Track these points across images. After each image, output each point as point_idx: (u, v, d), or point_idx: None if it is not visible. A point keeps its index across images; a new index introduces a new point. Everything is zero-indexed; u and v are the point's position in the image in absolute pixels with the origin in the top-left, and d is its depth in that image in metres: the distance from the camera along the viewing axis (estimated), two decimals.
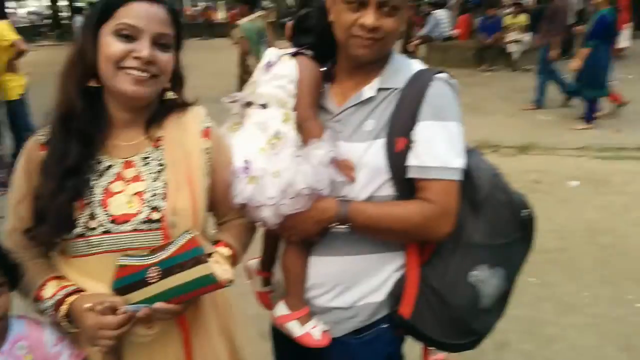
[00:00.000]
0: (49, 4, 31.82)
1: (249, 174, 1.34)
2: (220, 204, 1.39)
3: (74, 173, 1.22)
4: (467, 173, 1.37)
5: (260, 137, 1.38)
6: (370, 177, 1.36)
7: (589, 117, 7.17)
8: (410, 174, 1.34)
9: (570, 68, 7.40)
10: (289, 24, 1.58)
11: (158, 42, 1.23)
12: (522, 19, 11.61)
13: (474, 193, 1.38)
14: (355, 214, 1.33)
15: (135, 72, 1.21)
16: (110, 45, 1.20)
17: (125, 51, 1.20)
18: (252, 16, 6.28)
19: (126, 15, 1.20)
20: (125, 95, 1.24)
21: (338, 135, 1.38)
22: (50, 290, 1.24)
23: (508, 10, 12.19)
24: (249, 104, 1.46)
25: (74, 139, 1.23)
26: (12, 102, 5.62)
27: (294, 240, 1.40)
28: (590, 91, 7.02)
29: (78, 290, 1.23)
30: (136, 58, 1.20)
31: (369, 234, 1.38)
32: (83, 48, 1.23)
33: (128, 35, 1.20)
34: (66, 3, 30.87)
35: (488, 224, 1.38)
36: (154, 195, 1.26)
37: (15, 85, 5.61)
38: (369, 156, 1.36)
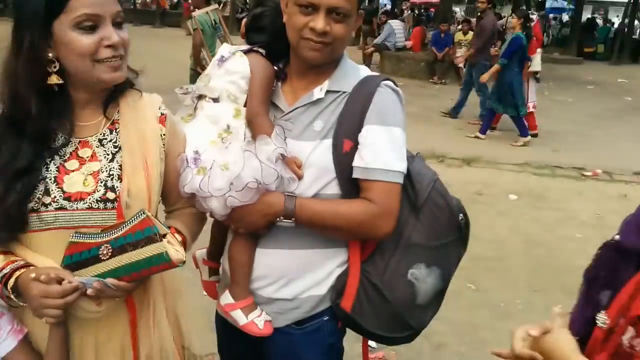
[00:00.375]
0: None
1: (198, 164, 1.36)
2: (171, 191, 1.40)
3: (24, 173, 1.19)
4: (409, 177, 1.44)
5: (211, 130, 1.41)
6: (317, 176, 1.41)
7: (524, 132, 7.61)
8: (355, 175, 1.40)
9: (481, 79, 7.89)
10: (244, 21, 1.60)
11: (115, 21, 1.21)
12: (471, 36, 12.06)
13: (415, 196, 1.45)
14: (301, 209, 1.37)
15: (111, 61, 1.20)
16: (79, 40, 1.16)
17: (96, 43, 1.18)
18: (207, 9, 6.23)
19: (82, 5, 1.15)
20: (103, 83, 1.24)
21: (287, 133, 1.42)
22: None
23: (459, 27, 12.62)
24: (201, 97, 1.48)
25: (27, 140, 1.20)
26: None
27: (241, 232, 1.43)
28: (512, 110, 7.50)
29: (26, 265, 1.22)
30: (108, 46, 1.19)
31: (314, 229, 1.42)
32: (34, 46, 1.15)
33: (91, 25, 1.17)
34: None
35: (427, 226, 1.45)
36: (110, 175, 1.26)
37: None
38: (316, 155, 1.41)
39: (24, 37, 1.16)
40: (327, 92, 1.44)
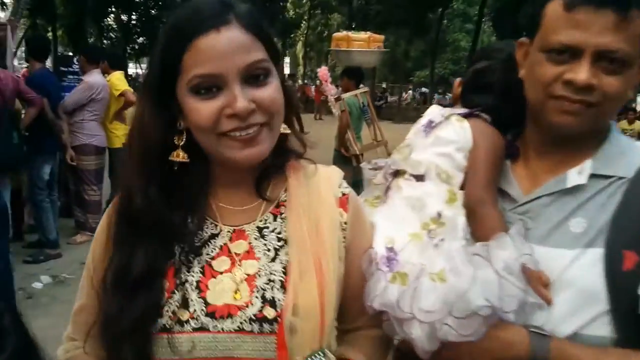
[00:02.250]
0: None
1: (393, 268, 0.98)
2: (351, 304, 0.98)
3: (144, 286, 0.88)
4: None
5: (412, 219, 1.05)
6: (578, 304, 0.96)
7: None
8: None
9: None
10: (458, 80, 1.29)
11: (251, 75, 0.88)
12: (638, 125, 11.36)
13: None
14: (559, 357, 0.89)
15: (237, 134, 0.88)
16: (196, 109, 0.87)
17: (216, 112, 0.86)
18: (357, 91, 6.28)
19: (195, 63, 0.85)
20: (234, 163, 0.90)
21: (527, 233, 0.99)
22: None
23: (622, 117, 11.78)
24: (398, 173, 1.13)
25: (147, 240, 0.90)
26: (116, 149, 5.75)
27: None
28: None
29: None
30: (232, 116, 0.86)
31: None
32: (154, 120, 0.90)
33: (210, 88, 0.86)
34: None
35: None
36: (270, 281, 0.91)
37: (121, 134, 5.76)
38: (577, 271, 0.97)
39: (144, 114, 0.92)
40: (592, 176, 1.00)
